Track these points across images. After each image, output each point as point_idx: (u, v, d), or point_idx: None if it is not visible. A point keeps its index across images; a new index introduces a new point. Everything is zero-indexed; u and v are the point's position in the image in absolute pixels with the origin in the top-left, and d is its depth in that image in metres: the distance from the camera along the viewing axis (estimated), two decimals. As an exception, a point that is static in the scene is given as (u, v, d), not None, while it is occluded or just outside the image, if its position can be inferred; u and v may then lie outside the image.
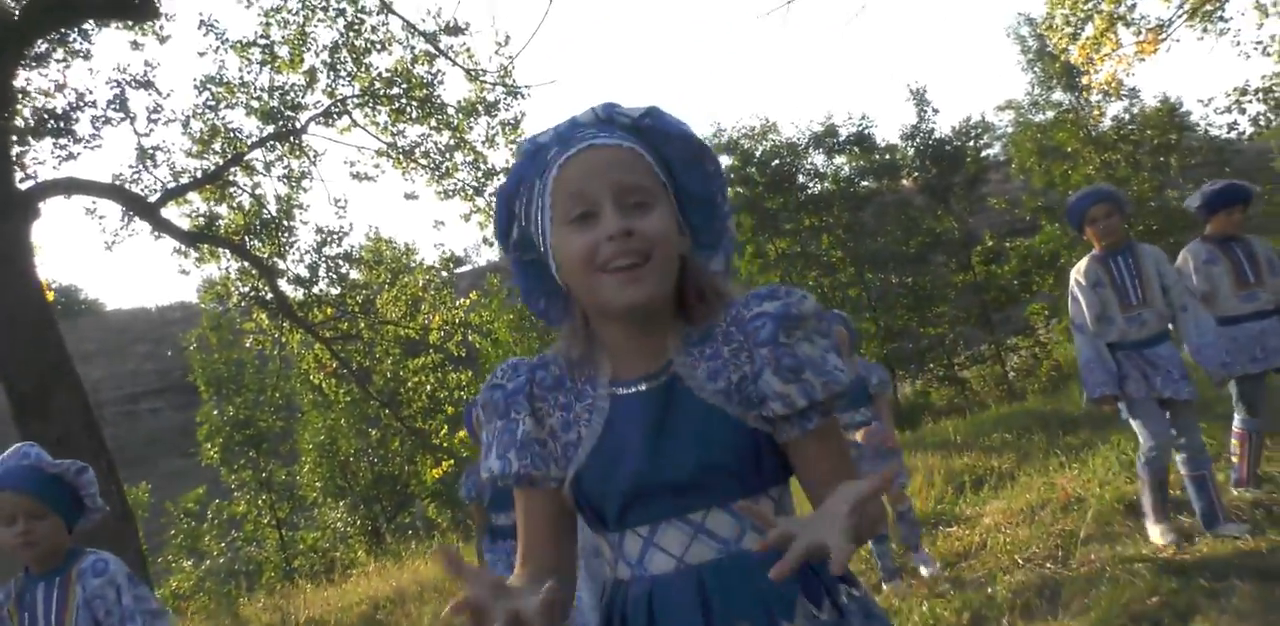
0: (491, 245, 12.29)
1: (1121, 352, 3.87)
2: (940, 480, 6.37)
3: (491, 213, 12.14)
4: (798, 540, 0.86)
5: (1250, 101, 16.48)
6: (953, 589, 4.09)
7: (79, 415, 8.27)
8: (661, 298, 1.12)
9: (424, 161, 11.93)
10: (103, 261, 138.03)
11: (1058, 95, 20.22)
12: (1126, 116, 19.70)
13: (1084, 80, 19.00)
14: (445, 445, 16.82)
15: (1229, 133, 18.33)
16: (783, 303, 1.12)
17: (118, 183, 10.64)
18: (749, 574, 1.07)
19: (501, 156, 12.72)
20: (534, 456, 1.15)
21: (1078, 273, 4.01)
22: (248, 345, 15.01)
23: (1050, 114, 20.24)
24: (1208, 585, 3.32)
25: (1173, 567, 3.54)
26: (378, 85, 11.47)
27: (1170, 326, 3.94)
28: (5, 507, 2.25)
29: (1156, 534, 3.94)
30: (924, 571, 4.49)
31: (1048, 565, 4.07)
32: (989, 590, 3.90)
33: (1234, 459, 4.48)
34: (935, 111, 20.44)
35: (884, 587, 4.41)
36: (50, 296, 9.87)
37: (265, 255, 12.12)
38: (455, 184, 11.95)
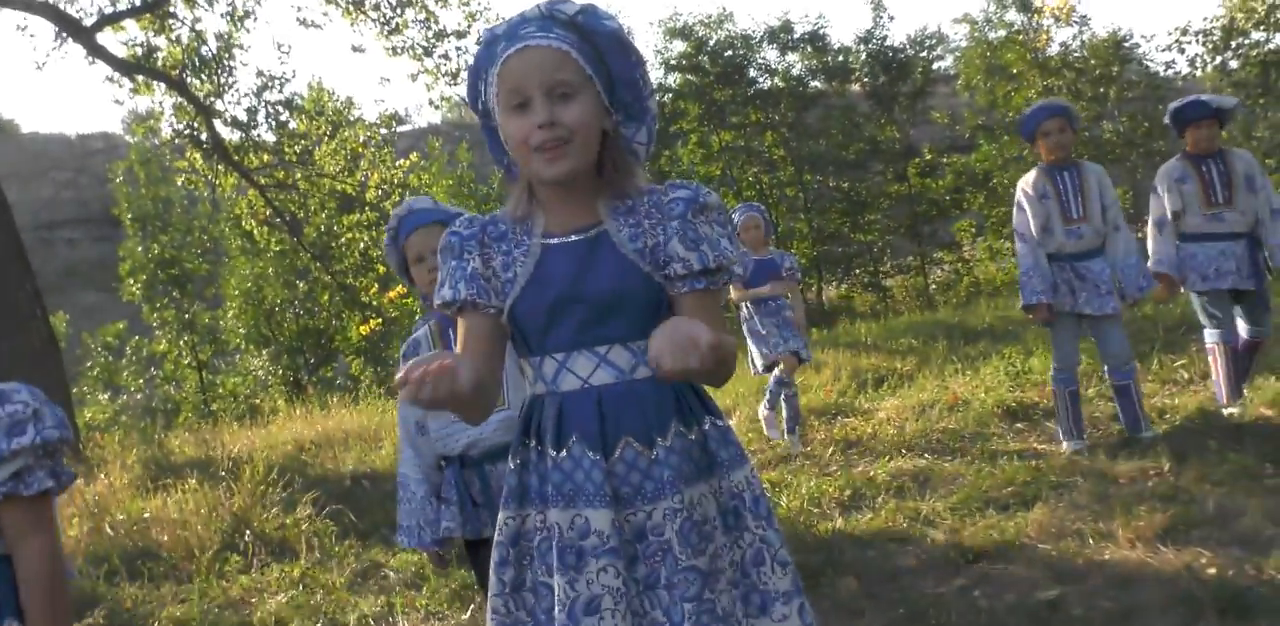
0: (435, 107, 12.10)
1: (1055, 264, 4.14)
2: (845, 376, 6.87)
3: (439, 75, 12.16)
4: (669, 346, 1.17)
5: (1190, 43, 16.71)
6: (839, 470, 4.59)
7: (4, 235, 8.16)
8: (582, 169, 1.40)
9: (374, 15, 11.56)
10: (22, 81, 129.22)
11: (1011, 15, 20.17)
12: (1075, 43, 19.83)
13: (1037, 2, 19.14)
14: (374, 304, 16.97)
15: (1166, 70, 18.66)
16: (694, 191, 1.44)
17: (53, 1, 10.11)
18: (637, 398, 1.40)
19: (453, 18, 12.40)
20: (479, 287, 1.44)
21: (1025, 183, 4.22)
22: (179, 184, 14.70)
23: (1002, 33, 20.24)
24: (1055, 480, 3.83)
25: (1031, 467, 4.04)
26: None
27: (1104, 242, 4.14)
28: None
29: (1064, 443, 4.27)
30: (790, 448, 5.20)
31: (926, 455, 4.58)
32: (870, 472, 4.40)
33: (1213, 376, 4.49)
34: (891, 18, 20.25)
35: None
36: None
37: (203, 94, 11.77)
38: (405, 42, 11.66)
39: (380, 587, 3.82)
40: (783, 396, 5.29)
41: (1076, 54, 19.52)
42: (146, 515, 5.00)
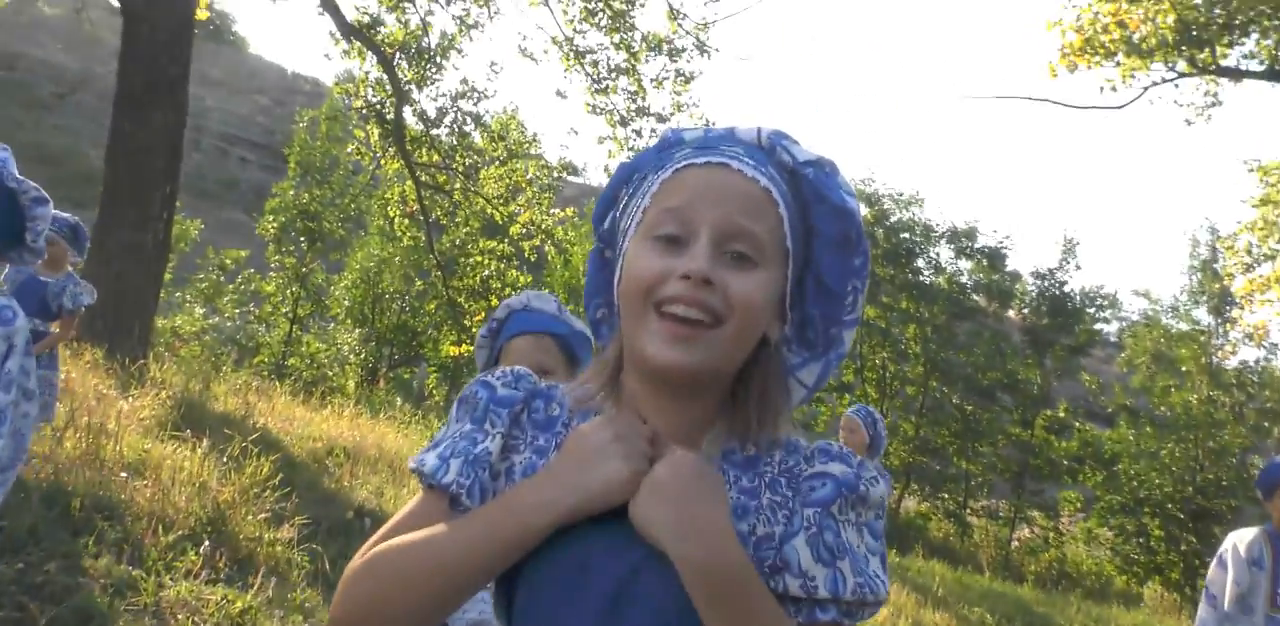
0: (609, 175, 12.23)
1: None
2: (903, 626, 6.03)
3: (625, 147, 12.19)
4: None
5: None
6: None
7: (169, 134, 8.28)
8: (712, 373, 0.89)
9: (589, 70, 11.75)
10: (263, 6, 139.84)
11: (1200, 312, 19.43)
12: (1256, 366, 18.88)
13: (1234, 313, 18.30)
14: (473, 331, 16.88)
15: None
16: (854, 473, 0.91)
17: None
18: None
19: (660, 102, 12.58)
20: (476, 480, 0.89)
21: (1240, 540, 3.47)
22: (349, 150, 15.13)
23: (1183, 326, 19.47)
24: None
25: None
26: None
27: None
28: None
29: None
30: None
31: None
32: None
33: None
34: (1078, 267, 19.90)
35: None
36: (204, 14, 9.91)
37: (405, 79, 12.11)
38: (608, 104, 11.77)
39: (309, 669, 3.24)
40: None
41: (1253, 378, 18.61)
42: (143, 460, 4.63)
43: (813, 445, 0.95)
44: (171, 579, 3.56)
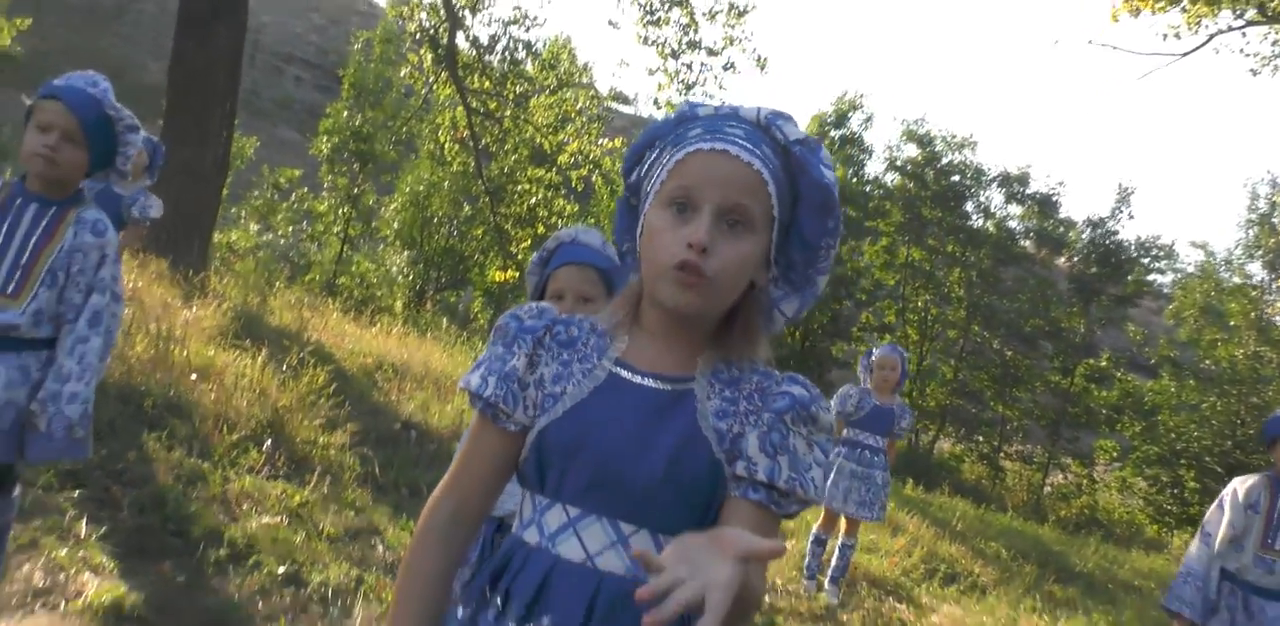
0: (658, 108, 12.18)
1: (1229, 585, 3.48)
2: (918, 554, 6.27)
3: (675, 80, 12.11)
4: (680, 590, 0.82)
5: None
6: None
7: (229, 51, 8.39)
8: (710, 313, 1.16)
9: (642, 1, 11.58)
10: None
11: (1254, 267, 18.99)
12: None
13: None
14: (519, 257, 17.10)
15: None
16: (810, 395, 1.17)
17: None
18: (641, 608, 1.02)
19: (713, 34, 12.42)
20: (509, 391, 1.18)
21: (1242, 484, 3.60)
22: (402, 74, 15.15)
23: (1236, 280, 19.05)
24: None
25: None
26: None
27: None
28: (49, 116, 2.20)
29: None
30: (827, 598, 4.81)
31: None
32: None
33: None
34: (1131, 217, 19.41)
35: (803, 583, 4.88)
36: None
37: (460, 3, 12.03)
38: (660, 37, 11.63)
39: (360, 557, 3.54)
40: (838, 546, 4.86)
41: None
42: (208, 365, 4.93)
43: (784, 374, 1.21)
44: (235, 473, 3.88)
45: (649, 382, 1.17)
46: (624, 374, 1.18)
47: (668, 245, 1.11)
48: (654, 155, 1.19)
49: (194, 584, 2.93)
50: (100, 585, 2.71)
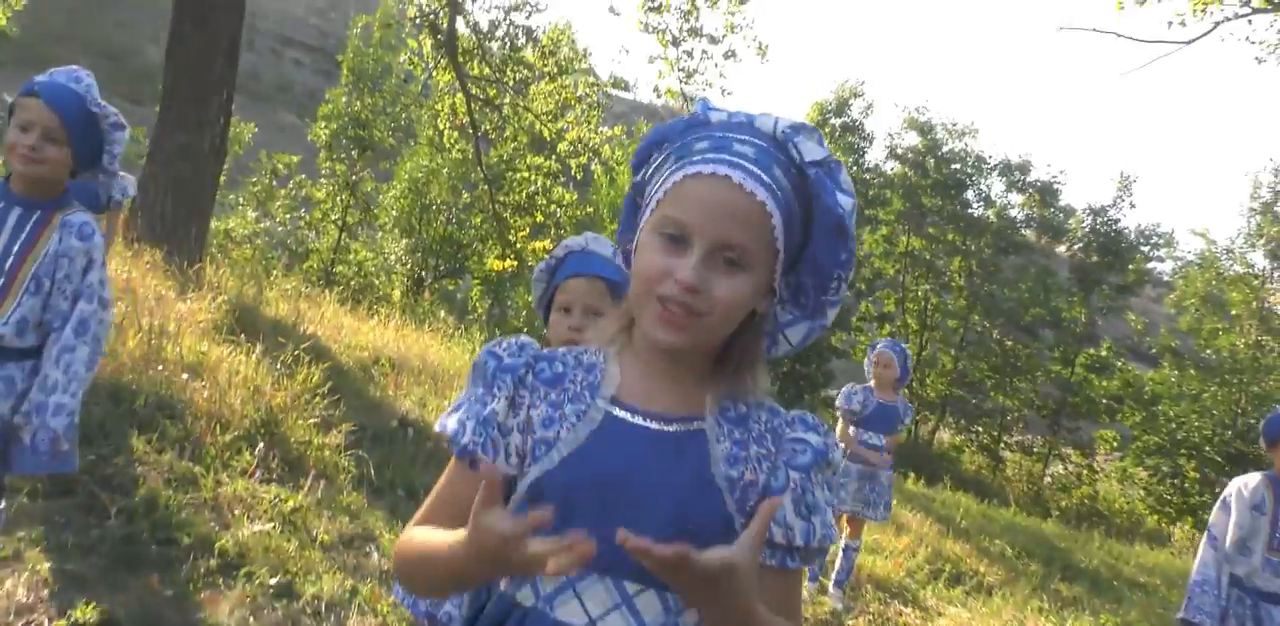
0: (658, 95, 12.02)
1: (1238, 592, 3.41)
2: (923, 555, 6.19)
3: (675, 68, 11.94)
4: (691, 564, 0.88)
5: None
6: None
7: (227, 34, 8.24)
8: (699, 348, 1.08)
9: None
10: None
11: (1255, 256, 18.92)
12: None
13: None
14: (517, 246, 16.97)
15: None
16: (824, 441, 1.11)
17: None
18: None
19: (714, 21, 12.27)
20: (489, 438, 1.08)
21: (1243, 485, 3.52)
22: (401, 59, 14.98)
23: (1238, 269, 18.99)
24: None
25: None
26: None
27: None
28: (29, 114, 2.12)
29: None
30: (832, 603, 4.74)
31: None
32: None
33: None
34: (1133, 206, 19.37)
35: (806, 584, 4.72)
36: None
37: None
38: (660, 23, 11.47)
39: (355, 566, 3.45)
40: (842, 548, 4.79)
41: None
42: (201, 362, 4.83)
43: (791, 413, 1.14)
44: (228, 476, 3.78)
45: (651, 424, 1.07)
46: (622, 414, 1.07)
47: (657, 271, 1.03)
48: (660, 158, 1.10)
49: (183, 597, 2.84)
50: (86, 601, 2.62)
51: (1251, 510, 3.45)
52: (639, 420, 1.07)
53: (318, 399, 4.78)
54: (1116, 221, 19.55)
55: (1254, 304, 18.25)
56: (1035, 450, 19.19)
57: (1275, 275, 19.01)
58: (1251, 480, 3.54)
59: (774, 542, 1.05)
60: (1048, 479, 18.37)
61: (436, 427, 1.13)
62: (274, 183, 21.93)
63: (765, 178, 1.02)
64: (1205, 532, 3.58)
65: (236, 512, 3.50)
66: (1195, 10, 10.40)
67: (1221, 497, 3.60)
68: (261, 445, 4.07)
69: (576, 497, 1.02)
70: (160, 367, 4.52)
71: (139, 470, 3.52)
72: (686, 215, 1.02)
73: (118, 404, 3.97)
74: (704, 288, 1.01)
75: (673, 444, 1.06)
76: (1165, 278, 22.23)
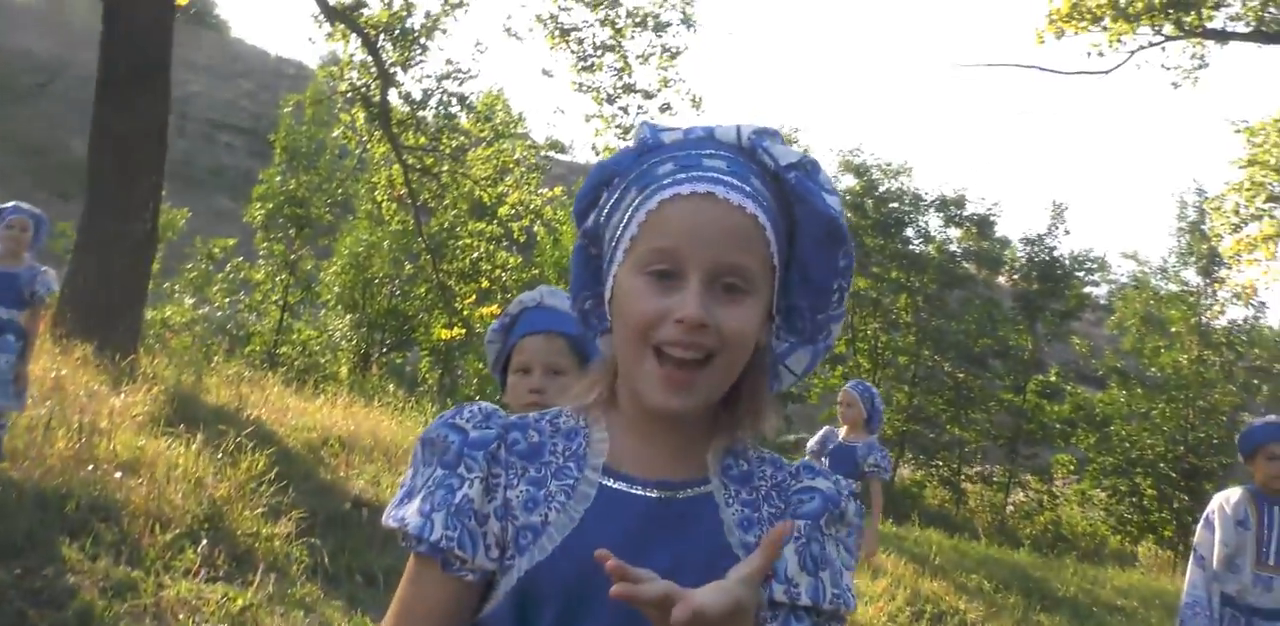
0: (597, 154, 12.08)
1: (1230, 611, 3.37)
2: (902, 597, 6.09)
3: (611, 125, 12.09)
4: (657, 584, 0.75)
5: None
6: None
7: (154, 121, 8.17)
8: (708, 405, 0.92)
9: (575, 48, 11.66)
10: None
11: (1188, 273, 19.56)
12: (1244, 325, 19.03)
13: (1222, 273, 18.42)
14: (464, 313, 16.84)
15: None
16: (835, 489, 0.98)
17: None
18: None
19: (647, 77, 12.53)
20: (465, 531, 0.89)
21: (1225, 501, 3.49)
22: (335, 134, 15.00)
23: (1172, 287, 19.61)
24: None
25: None
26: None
27: None
28: None
29: None
30: None
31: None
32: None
33: None
34: (1067, 232, 19.96)
35: None
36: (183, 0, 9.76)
37: (390, 61, 12.00)
38: (594, 82, 11.69)
39: (311, 664, 3.26)
40: None
41: (1242, 337, 18.76)
42: (137, 458, 4.62)
43: (796, 462, 1.00)
44: (170, 578, 3.58)
45: (653, 493, 0.92)
46: (618, 486, 0.93)
47: (650, 316, 0.88)
48: (614, 196, 0.96)
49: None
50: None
51: (1236, 526, 3.41)
52: (638, 490, 0.93)
53: (264, 486, 4.60)
54: (1053, 249, 20.05)
55: (1192, 320, 18.75)
56: (995, 479, 19.29)
57: (1208, 290, 19.59)
58: (1233, 495, 3.52)
59: (774, 601, 0.90)
60: (1010, 508, 18.44)
61: (389, 522, 0.92)
62: (210, 268, 21.58)
63: (748, 188, 0.90)
64: (1191, 552, 3.55)
65: (181, 617, 3.30)
66: (1111, 41, 10.91)
67: (1204, 516, 3.56)
68: (205, 542, 3.88)
69: (580, 591, 0.87)
70: (92, 467, 4.32)
71: (71, 580, 3.31)
72: (674, 242, 0.88)
73: (45, 510, 3.76)
74: (711, 321, 0.87)
75: (679, 513, 0.93)
76: (1102, 301, 22.80)
